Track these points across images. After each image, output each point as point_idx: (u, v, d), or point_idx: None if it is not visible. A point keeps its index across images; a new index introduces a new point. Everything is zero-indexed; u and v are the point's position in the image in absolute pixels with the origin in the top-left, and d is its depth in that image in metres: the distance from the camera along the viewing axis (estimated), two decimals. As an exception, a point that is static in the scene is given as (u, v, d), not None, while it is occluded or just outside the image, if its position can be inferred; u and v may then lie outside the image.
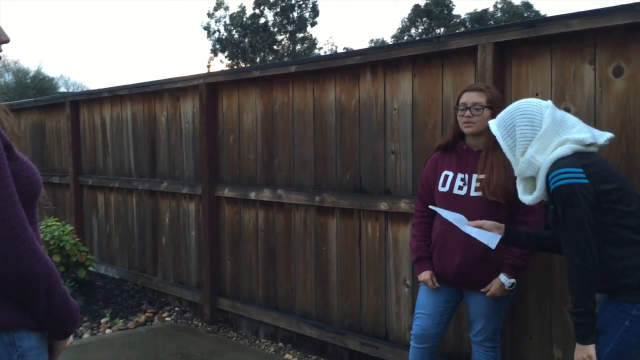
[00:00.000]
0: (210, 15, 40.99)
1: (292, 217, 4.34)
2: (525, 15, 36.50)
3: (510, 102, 3.11)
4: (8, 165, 1.37)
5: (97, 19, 73.89)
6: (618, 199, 2.15)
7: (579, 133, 2.23)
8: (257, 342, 4.62)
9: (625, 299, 2.12)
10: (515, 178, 2.51)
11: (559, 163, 2.17)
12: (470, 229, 2.55)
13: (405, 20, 40.33)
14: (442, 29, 38.52)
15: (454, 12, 39.56)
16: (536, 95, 3.03)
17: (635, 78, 2.70)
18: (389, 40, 40.22)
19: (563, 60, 2.94)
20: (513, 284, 2.76)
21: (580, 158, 2.18)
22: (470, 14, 38.63)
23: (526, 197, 2.33)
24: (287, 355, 4.31)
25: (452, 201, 2.85)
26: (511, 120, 2.32)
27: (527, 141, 2.26)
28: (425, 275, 2.97)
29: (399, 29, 40.90)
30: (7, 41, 1.44)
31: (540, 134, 2.24)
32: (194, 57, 70.31)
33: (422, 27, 39.88)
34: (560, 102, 2.95)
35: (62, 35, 72.05)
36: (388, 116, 3.69)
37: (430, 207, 2.85)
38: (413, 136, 3.57)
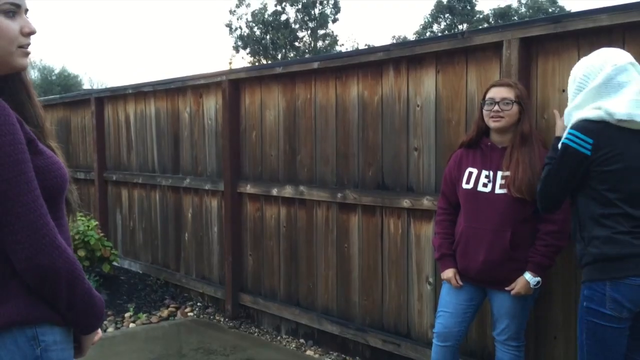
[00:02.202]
0: (232, 12, 41.21)
1: (314, 214, 4.34)
2: (550, 10, 35.99)
3: (536, 100, 3.08)
4: (31, 160, 1.38)
5: (121, 17, 74.71)
6: (619, 179, 2.20)
7: (615, 105, 2.20)
8: (279, 338, 4.64)
9: (583, 279, 2.25)
10: (539, 173, 2.55)
11: (579, 123, 2.24)
12: None
13: (428, 16, 40.03)
14: (465, 25, 38.16)
15: (477, 8, 39.14)
16: (562, 92, 2.99)
17: (665, 74, 2.63)
18: (411, 37, 39.98)
19: (590, 56, 2.89)
20: (538, 282, 2.73)
21: (602, 129, 2.20)
22: (493, 9, 38.19)
23: None
24: (308, 352, 4.32)
25: (476, 198, 2.83)
26: (578, 68, 2.33)
27: (577, 92, 2.29)
28: (448, 273, 2.94)
29: (421, 25, 40.61)
30: (33, 32, 1.45)
31: (586, 90, 2.26)
32: (216, 54, 70.66)
33: (445, 23, 39.54)
34: (587, 99, 2.89)
35: (86, 34, 72.95)
36: (411, 113, 3.67)
37: None
38: (436, 133, 3.54)
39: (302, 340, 4.50)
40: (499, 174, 2.79)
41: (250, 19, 40.55)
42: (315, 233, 4.34)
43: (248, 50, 41.15)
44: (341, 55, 4.17)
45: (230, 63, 42.39)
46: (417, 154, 3.64)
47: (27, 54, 1.44)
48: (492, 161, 2.83)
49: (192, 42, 73.02)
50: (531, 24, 3.08)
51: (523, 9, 37.45)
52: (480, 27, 36.76)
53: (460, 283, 2.92)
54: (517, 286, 2.76)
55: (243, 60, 41.80)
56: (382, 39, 54.95)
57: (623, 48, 2.77)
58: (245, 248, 4.98)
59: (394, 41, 39.47)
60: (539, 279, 2.73)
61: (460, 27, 38.34)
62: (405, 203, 3.68)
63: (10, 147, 1.32)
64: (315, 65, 4.18)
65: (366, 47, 40.79)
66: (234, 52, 42.18)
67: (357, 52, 4.05)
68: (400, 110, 3.72)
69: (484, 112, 2.84)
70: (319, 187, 4.25)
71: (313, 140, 4.31)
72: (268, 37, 40.38)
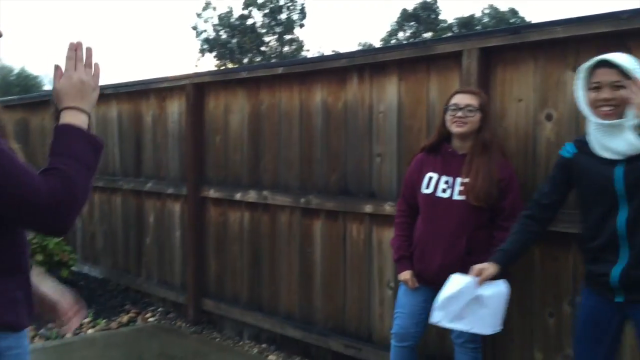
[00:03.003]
0: (198, 15, 40.88)
1: (278, 219, 4.35)
2: (512, 21, 36.80)
3: (495, 108, 3.16)
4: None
5: (85, 18, 73.41)
6: None
7: None
8: (241, 343, 4.62)
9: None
10: (498, 181, 2.60)
11: None
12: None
13: (394, 23, 40.49)
14: (430, 33, 38.71)
15: (441, 17, 39.79)
16: (519, 101, 3.07)
17: (616, 85, 2.73)
18: (377, 44, 40.36)
19: (546, 67, 2.98)
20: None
21: None
22: (457, 19, 38.88)
23: None
24: (270, 357, 4.31)
25: (435, 203, 2.88)
26: (636, 64, 2.19)
27: None
28: (405, 275, 2.99)
29: (387, 32, 41.05)
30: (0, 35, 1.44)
31: None
32: (182, 57, 70.01)
33: (411, 31, 40.06)
34: (543, 108, 2.99)
35: (48, 34, 71.44)
36: (374, 119, 3.71)
37: None
38: (398, 139, 3.60)
39: (264, 345, 4.49)
40: (458, 180, 2.84)
41: (216, 22, 40.37)
42: (279, 238, 4.35)
43: (214, 53, 40.91)
44: (306, 61, 4.21)
45: (196, 66, 42.08)
46: (380, 160, 3.69)
47: None
48: (452, 167, 2.88)
49: (158, 44, 72.21)
50: (490, 34, 3.16)
51: (486, 19, 38.22)
52: (444, 35, 37.37)
53: (416, 285, 2.97)
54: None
55: (209, 63, 41.51)
56: (348, 45, 55.24)
57: (576, 59, 2.87)
58: (208, 253, 4.95)
59: (360, 48, 39.73)
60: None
61: (425, 35, 38.88)
62: (368, 208, 3.71)
63: None
64: (280, 70, 4.20)
65: (332, 52, 41.00)
66: (200, 55, 41.84)
67: (321, 59, 4.09)
68: (363, 116, 3.76)
69: (448, 117, 2.88)
70: (283, 192, 4.26)
71: (277, 145, 4.32)
72: (234, 40, 40.22)
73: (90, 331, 4.90)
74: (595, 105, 2.21)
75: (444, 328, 3.16)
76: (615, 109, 2.16)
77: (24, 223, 1.38)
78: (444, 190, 2.87)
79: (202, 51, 41.34)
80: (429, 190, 2.90)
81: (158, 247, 5.46)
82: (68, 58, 1.47)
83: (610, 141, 2.18)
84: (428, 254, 2.89)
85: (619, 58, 2.18)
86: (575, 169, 2.34)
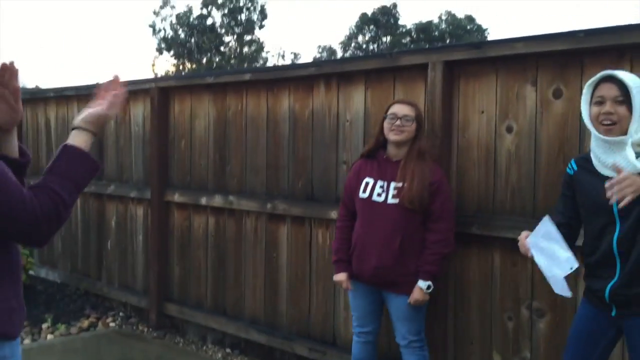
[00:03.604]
0: (156, 13, 40.25)
1: (243, 224, 4.37)
2: (469, 27, 37.60)
3: (457, 120, 3.28)
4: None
5: (38, 15, 71.33)
6: None
7: None
8: (205, 347, 4.62)
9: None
10: (429, 185, 2.86)
11: None
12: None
13: (353, 27, 40.79)
14: (388, 37, 39.18)
15: (400, 22, 40.29)
16: (481, 113, 3.20)
17: (572, 100, 2.88)
18: (337, 47, 40.58)
19: (507, 80, 3.11)
20: (429, 286, 2.98)
21: None
22: (416, 24, 39.45)
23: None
24: (234, 361, 4.34)
25: (371, 207, 3.06)
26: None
27: None
28: (341, 277, 3.18)
29: (346, 36, 41.31)
30: None
31: None
32: (139, 55, 68.78)
33: (370, 35, 40.44)
34: (503, 120, 3.12)
35: (1, 33, 69.18)
36: (341, 127, 3.79)
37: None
38: (364, 148, 3.67)
39: (228, 350, 4.51)
40: (392, 184, 3.02)
41: (174, 21, 39.81)
42: (244, 243, 4.38)
43: (172, 52, 40.36)
44: (273, 68, 4.26)
45: (153, 65, 41.41)
46: (346, 167, 3.76)
47: None
48: (387, 173, 3.06)
49: (114, 43, 70.78)
50: (454, 48, 3.28)
51: (443, 25, 38.92)
52: (403, 40, 37.78)
53: (350, 287, 3.17)
54: (414, 294, 2.99)
55: (167, 62, 40.94)
56: (308, 48, 55.47)
57: (536, 74, 3.01)
58: (172, 257, 4.93)
59: (320, 51, 39.88)
60: (429, 283, 2.97)
61: (383, 39, 39.32)
62: (334, 214, 3.77)
63: None
64: (247, 77, 4.23)
65: (292, 55, 41.02)
66: (157, 53, 41.21)
67: (289, 67, 4.15)
68: (330, 124, 3.83)
69: (386, 125, 3.06)
70: (249, 198, 4.29)
71: (243, 151, 4.35)
72: (193, 40, 39.79)
73: (49, 337, 4.82)
74: (597, 119, 2.19)
75: (391, 334, 3.26)
76: (615, 125, 2.15)
77: (7, 234, 1.40)
78: (379, 195, 3.05)
79: (160, 50, 40.74)
80: (365, 195, 3.08)
81: (119, 251, 5.41)
82: (105, 88, 1.66)
83: (609, 158, 2.17)
84: (366, 255, 3.07)
85: (623, 75, 2.20)
86: (577, 186, 2.36)
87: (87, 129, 1.60)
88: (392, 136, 3.03)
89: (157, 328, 4.93)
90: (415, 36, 38.38)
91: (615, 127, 2.15)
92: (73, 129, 1.59)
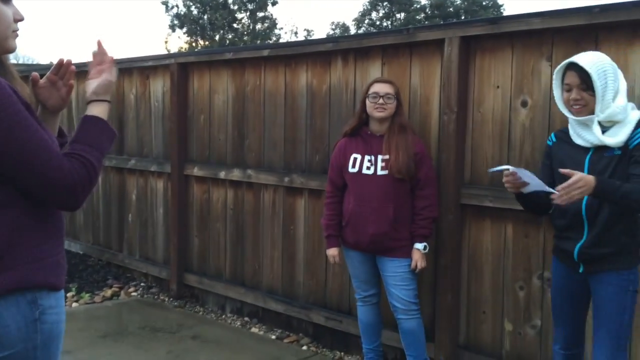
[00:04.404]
0: (169, -10, 40.07)
1: (261, 197, 4.49)
2: (484, 3, 37.10)
3: (474, 94, 3.34)
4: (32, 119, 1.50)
5: (50, -12, 71.23)
6: None
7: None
8: (224, 316, 4.77)
9: (622, 267, 2.44)
10: (413, 155, 3.13)
11: None
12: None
13: (367, 4, 40.43)
14: (402, 14, 38.80)
15: (415, -2, 39.84)
16: (497, 88, 3.26)
17: (587, 75, 2.92)
18: (350, 24, 40.29)
19: (523, 56, 3.17)
20: (425, 246, 3.23)
21: None
22: (430, 0, 39.00)
23: (611, 139, 2.39)
24: (253, 329, 4.48)
25: (361, 180, 3.26)
26: (602, 66, 2.40)
27: (615, 90, 2.41)
28: (334, 251, 3.42)
29: (360, 12, 40.99)
30: (23, 19, 1.58)
31: (623, 89, 2.43)
32: (152, 33, 68.71)
33: (383, 12, 40.08)
34: (518, 95, 3.18)
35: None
36: (357, 102, 3.85)
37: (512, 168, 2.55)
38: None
39: (246, 319, 4.66)
40: (379, 157, 3.23)
41: (187, -3, 39.65)
42: (262, 215, 4.49)
43: (185, 29, 40.29)
44: (291, 44, 4.33)
45: (166, 42, 41.39)
46: (363, 141, 3.84)
47: (17, 36, 1.57)
48: (373, 147, 3.27)
49: (127, 19, 70.72)
50: (471, 23, 3.32)
51: (458, 1, 38.42)
52: (417, 16, 37.35)
53: (338, 261, 3.43)
54: (414, 256, 3.22)
55: (179, 40, 40.89)
56: (321, 25, 55.03)
57: (552, 49, 3.06)
58: (191, 229, 5.07)
59: (333, 28, 39.62)
60: (425, 244, 3.23)
61: (397, 15, 38.95)
62: (350, 188, 3.87)
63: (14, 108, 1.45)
64: (266, 52, 4.30)
65: (305, 32, 40.78)
66: (170, 31, 41.15)
67: (307, 42, 4.21)
68: (347, 99, 3.91)
69: (369, 104, 3.25)
70: (267, 171, 4.40)
71: (262, 125, 4.45)
72: (206, 17, 39.66)
73: (74, 304, 4.99)
74: (568, 104, 2.48)
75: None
76: (584, 107, 2.43)
77: (44, 197, 1.51)
78: (368, 168, 3.26)
79: (172, 27, 40.67)
80: (355, 169, 3.29)
81: (140, 223, 5.56)
82: (95, 57, 1.74)
83: (583, 132, 2.47)
84: (361, 225, 3.26)
85: (585, 61, 2.40)
86: (554, 156, 2.61)
87: (100, 99, 1.70)
88: (376, 113, 3.23)
89: (178, 298, 5.09)
90: (429, 12, 37.96)
91: (584, 108, 2.43)
92: (88, 103, 1.70)
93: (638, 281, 2.47)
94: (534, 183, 2.46)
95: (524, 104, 3.16)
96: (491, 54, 3.28)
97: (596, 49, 2.89)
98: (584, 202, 2.44)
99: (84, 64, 5.75)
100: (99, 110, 1.69)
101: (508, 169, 2.48)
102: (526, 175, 2.45)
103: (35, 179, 1.46)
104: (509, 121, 3.22)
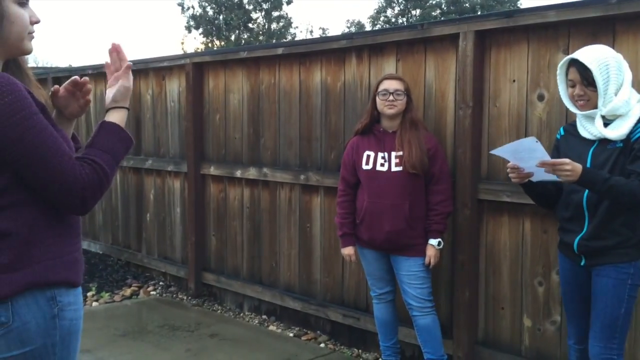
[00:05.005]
0: (184, -9, 40.29)
1: (277, 195, 4.50)
2: (501, -1, 36.73)
3: (489, 88, 3.32)
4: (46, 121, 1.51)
5: (67, -8, 71.97)
6: None
7: None
8: (242, 314, 4.80)
9: (622, 260, 2.44)
10: (427, 150, 3.09)
11: None
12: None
13: (382, 1, 40.28)
14: (418, 11, 38.60)
15: (430, -6, 39.58)
16: (513, 82, 3.23)
17: (604, 67, 2.88)
18: (366, 22, 40.17)
19: (539, 49, 3.13)
20: (440, 242, 3.21)
21: None
22: (446, -4, 38.71)
23: (612, 132, 2.42)
24: (271, 327, 4.50)
25: (376, 177, 3.24)
26: (604, 61, 2.41)
27: (618, 84, 2.43)
28: (349, 250, 3.40)
29: (375, 10, 40.83)
30: (39, 21, 1.60)
31: (628, 81, 2.44)
32: (168, 34, 69.15)
33: (399, 9, 39.90)
34: (535, 89, 3.15)
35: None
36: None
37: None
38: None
39: (264, 317, 4.67)
40: (393, 154, 3.22)
41: (203, -2, 39.83)
42: (279, 213, 4.50)
43: (201, 30, 40.51)
44: (305, 42, 4.32)
45: (182, 43, 41.63)
46: (378, 138, 3.83)
47: (33, 38, 1.58)
48: (386, 144, 3.26)
49: (143, 21, 71.31)
50: (486, 17, 3.30)
51: (475, -3, 38.07)
52: (433, 13, 37.16)
53: (354, 260, 3.41)
54: (428, 252, 3.21)
55: (195, 40, 41.11)
56: (337, 23, 55.02)
57: (568, 42, 3.02)
58: (208, 228, 5.10)
59: (348, 25, 39.53)
60: (439, 239, 3.22)
61: (413, 12, 38.77)
62: (366, 185, 3.86)
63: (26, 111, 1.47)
64: (280, 51, 4.31)
65: (320, 30, 40.76)
66: (186, 32, 41.38)
67: (321, 40, 4.20)
68: (362, 96, 3.90)
69: (379, 101, 3.25)
70: (283, 169, 4.41)
71: (277, 124, 4.45)
72: (221, 17, 39.83)
73: (94, 304, 5.05)
74: (573, 98, 2.52)
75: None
76: (588, 102, 2.47)
77: (54, 199, 1.52)
78: (382, 165, 3.25)
79: (189, 28, 40.91)
80: (369, 167, 3.27)
81: (158, 223, 5.60)
82: (112, 64, 1.76)
83: (588, 125, 2.51)
84: (376, 222, 3.24)
85: (586, 57, 2.42)
86: (562, 148, 2.65)
87: (119, 106, 1.71)
88: (387, 110, 3.22)
89: (196, 296, 5.13)
90: (445, 9, 37.71)
91: (588, 102, 2.47)
92: (107, 110, 1.71)
93: (639, 275, 2.46)
94: (538, 173, 2.47)
95: (541, 97, 3.13)
96: (507, 48, 3.25)
97: (614, 40, 2.86)
98: (585, 194, 2.46)
99: (102, 66, 5.78)
100: (116, 117, 1.70)
101: (507, 150, 2.52)
102: (527, 147, 2.42)
103: (45, 181, 1.48)
104: (526, 115, 3.19)
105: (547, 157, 2.41)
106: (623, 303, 2.44)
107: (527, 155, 2.45)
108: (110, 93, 1.73)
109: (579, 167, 2.32)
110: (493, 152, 2.65)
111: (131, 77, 1.75)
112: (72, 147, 1.61)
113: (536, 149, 2.41)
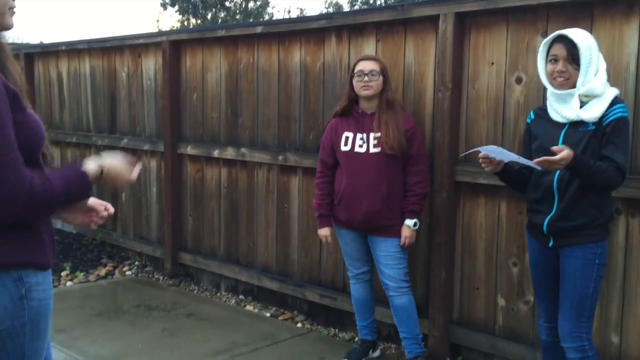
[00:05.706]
0: (160, -33, 39.50)
1: (255, 175, 4.48)
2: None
3: (468, 70, 3.33)
4: (13, 116, 1.47)
5: (38, -35, 69.94)
6: None
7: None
8: (218, 294, 4.79)
9: (590, 240, 2.49)
10: (405, 132, 3.14)
11: (620, 99, 2.51)
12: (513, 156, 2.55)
13: (360, -18, 39.99)
14: (396, -7, 38.43)
15: (409, -24, 39.41)
16: (491, 65, 3.24)
17: (582, 51, 2.91)
18: (344, 3, 39.89)
19: (518, 32, 3.15)
20: (415, 223, 3.24)
21: None
22: (424, -22, 38.58)
23: (586, 114, 2.45)
24: (248, 307, 4.50)
25: (354, 158, 3.25)
26: (589, 42, 2.46)
27: (597, 68, 2.47)
28: (326, 231, 3.43)
29: (353, -10, 40.54)
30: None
31: (603, 69, 2.48)
32: (143, 11, 67.80)
33: (377, -10, 39.66)
34: (513, 72, 3.17)
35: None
36: (352, 79, 3.83)
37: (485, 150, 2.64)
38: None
39: (241, 297, 4.68)
40: (371, 135, 3.23)
41: (179, -25, 39.10)
42: (256, 194, 4.49)
43: (176, 7, 39.83)
44: (284, 21, 4.29)
45: (157, 20, 40.89)
46: (357, 119, 3.82)
47: (14, 14, 1.55)
48: (364, 125, 3.26)
49: (117, -3, 69.66)
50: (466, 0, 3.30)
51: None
52: (411, -5, 37.14)
53: (331, 241, 3.45)
54: (404, 232, 3.24)
55: (171, 18, 40.42)
56: (315, 3, 54.52)
57: (547, 25, 3.04)
58: (185, 208, 5.06)
59: (327, 6, 39.26)
60: (415, 220, 3.24)
61: (391, -6, 38.55)
62: (344, 165, 3.87)
63: None
64: (259, 29, 4.26)
65: (298, 10, 40.37)
66: (162, 9, 40.62)
67: (300, 19, 4.17)
68: (341, 77, 3.88)
69: (355, 82, 3.24)
70: (261, 150, 4.38)
71: (255, 103, 4.42)
72: (198, -5, 39.16)
73: (69, 283, 5.00)
74: (552, 75, 2.51)
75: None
76: (567, 80, 2.48)
77: None
78: (360, 146, 3.25)
79: (164, 5, 40.17)
80: (347, 148, 3.28)
81: (134, 202, 5.54)
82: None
83: (560, 107, 2.52)
84: (354, 203, 3.26)
85: (574, 34, 2.46)
86: (532, 132, 2.68)
87: (101, 170, 1.72)
88: (362, 92, 3.23)
89: (172, 276, 5.10)
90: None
91: (567, 82, 2.48)
92: (90, 169, 1.70)
93: (606, 255, 2.54)
94: (507, 156, 2.51)
95: (519, 80, 3.15)
96: (486, 30, 3.26)
97: (592, 24, 2.88)
98: (556, 175, 2.50)
99: (75, 42, 5.65)
100: (92, 169, 1.69)
101: (479, 151, 2.56)
102: (497, 152, 2.51)
103: None
104: (504, 98, 3.21)
105: (516, 156, 2.48)
106: (591, 283, 2.50)
107: (503, 156, 2.53)
108: (114, 164, 1.75)
109: (570, 155, 2.33)
110: (480, 149, 2.63)
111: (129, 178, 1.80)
112: (43, 135, 1.57)
113: (504, 151, 2.50)
